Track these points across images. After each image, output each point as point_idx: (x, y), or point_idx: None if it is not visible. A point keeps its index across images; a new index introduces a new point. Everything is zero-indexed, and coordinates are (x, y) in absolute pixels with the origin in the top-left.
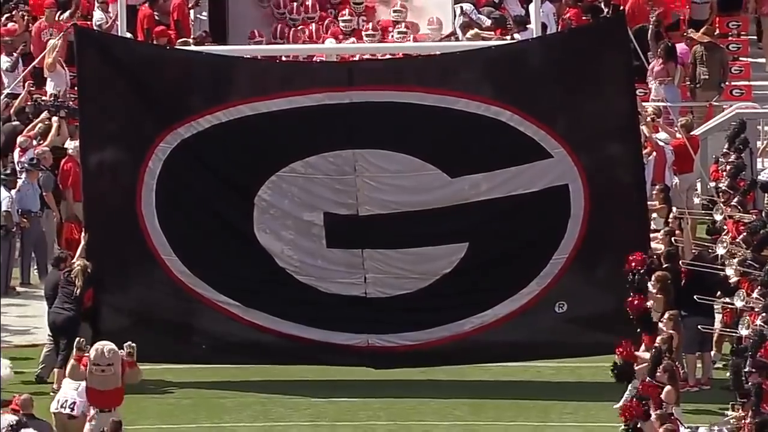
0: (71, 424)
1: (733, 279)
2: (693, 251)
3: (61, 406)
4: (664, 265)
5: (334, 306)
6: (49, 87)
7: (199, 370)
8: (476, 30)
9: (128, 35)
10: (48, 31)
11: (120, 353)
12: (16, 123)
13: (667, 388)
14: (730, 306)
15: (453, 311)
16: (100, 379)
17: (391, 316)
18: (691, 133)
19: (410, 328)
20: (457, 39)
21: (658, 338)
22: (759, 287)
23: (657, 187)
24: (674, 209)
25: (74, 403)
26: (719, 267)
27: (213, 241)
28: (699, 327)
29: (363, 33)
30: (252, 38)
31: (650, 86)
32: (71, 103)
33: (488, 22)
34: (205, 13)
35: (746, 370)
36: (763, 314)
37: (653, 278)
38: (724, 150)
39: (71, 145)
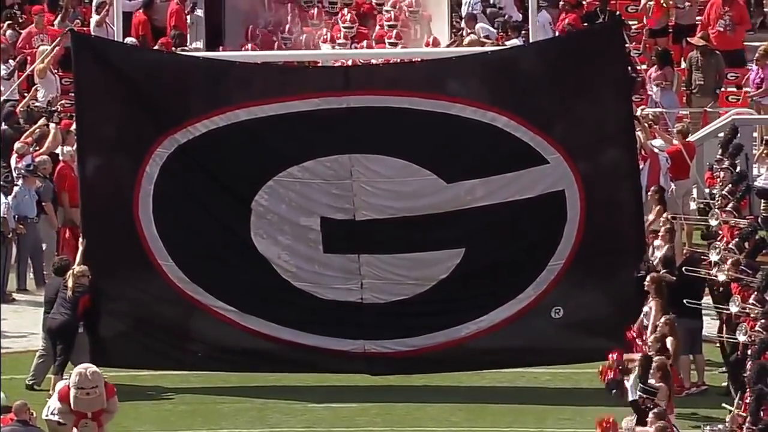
0: (62, 430)
1: (721, 277)
2: (684, 254)
3: (52, 413)
4: (662, 271)
5: (330, 312)
6: (39, 93)
7: (195, 376)
8: (473, 37)
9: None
10: (39, 36)
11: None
12: (5, 128)
13: (660, 385)
14: (725, 311)
15: (450, 317)
16: (85, 403)
17: (388, 322)
18: (687, 139)
19: (407, 333)
20: (461, 39)
21: (651, 337)
22: (755, 293)
23: (652, 188)
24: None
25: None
26: (712, 273)
27: (210, 247)
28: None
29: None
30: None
31: (649, 92)
32: (60, 108)
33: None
34: (200, 11)
35: (746, 374)
36: (762, 320)
37: (648, 279)
38: (718, 156)
39: (63, 150)
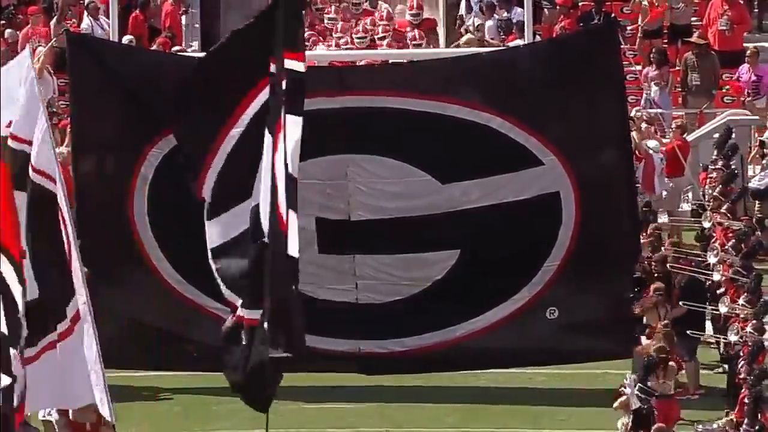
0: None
1: (716, 277)
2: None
3: (48, 413)
4: (656, 274)
5: (325, 312)
6: None
7: (190, 377)
8: (470, 36)
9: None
10: (36, 38)
11: None
12: None
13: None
14: (716, 312)
15: (445, 317)
16: (80, 412)
17: (383, 323)
18: (683, 136)
19: (402, 334)
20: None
21: (652, 347)
22: (745, 294)
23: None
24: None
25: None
26: (707, 272)
27: (205, 247)
28: (688, 332)
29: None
30: None
31: (644, 92)
32: (56, 109)
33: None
34: (196, 11)
35: (741, 377)
36: (754, 321)
37: (652, 289)
38: (713, 157)
39: (58, 150)
